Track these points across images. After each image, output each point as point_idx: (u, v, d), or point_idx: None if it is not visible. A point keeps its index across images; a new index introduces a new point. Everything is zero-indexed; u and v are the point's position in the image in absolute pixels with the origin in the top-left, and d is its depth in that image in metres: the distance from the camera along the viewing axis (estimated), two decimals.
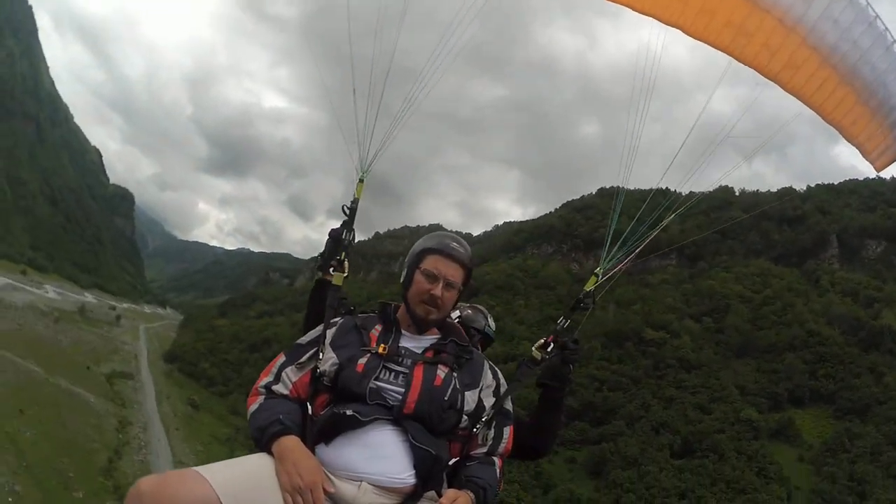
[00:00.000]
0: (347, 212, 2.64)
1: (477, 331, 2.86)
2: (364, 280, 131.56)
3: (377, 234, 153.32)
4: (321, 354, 2.15)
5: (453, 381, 2.11)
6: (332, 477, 1.94)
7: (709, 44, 2.68)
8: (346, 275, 2.53)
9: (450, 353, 2.19)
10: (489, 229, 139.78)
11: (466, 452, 2.16)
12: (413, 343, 2.21)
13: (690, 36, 2.65)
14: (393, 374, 2.09)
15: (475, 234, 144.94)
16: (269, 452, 1.93)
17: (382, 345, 2.13)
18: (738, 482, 46.10)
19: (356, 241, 2.71)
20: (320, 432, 1.99)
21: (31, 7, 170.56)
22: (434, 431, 2.03)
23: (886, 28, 2.58)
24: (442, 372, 2.12)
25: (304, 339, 2.26)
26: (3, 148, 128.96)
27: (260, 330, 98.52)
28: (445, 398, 2.06)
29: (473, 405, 2.14)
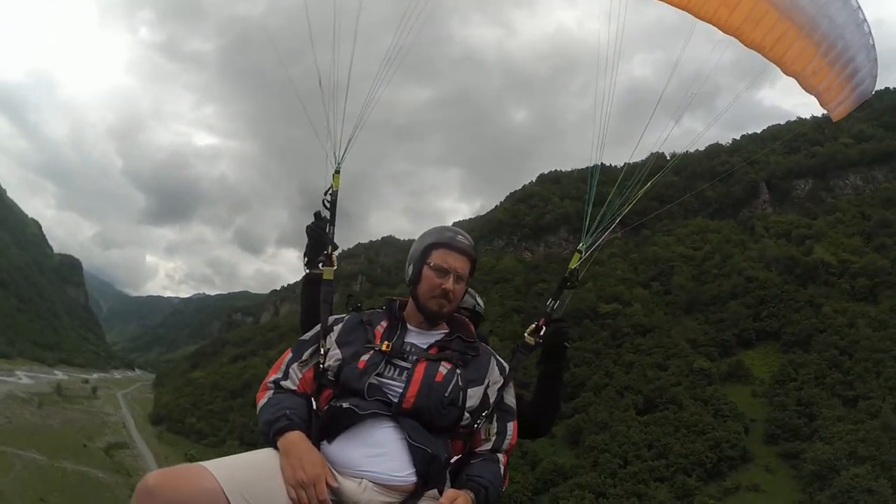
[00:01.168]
0: (328, 205, 2.63)
1: (466, 310, 2.90)
2: None
3: None
4: (322, 350, 2.18)
5: (455, 378, 2.10)
6: (335, 473, 1.95)
7: (667, 2, 2.74)
8: (335, 268, 2.53)
9: (454, 349, 2.19)
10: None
11: (470, 449, 2.16)
12: (419, 339, 2.21)
13: None
14: (396, 370, 2.10)
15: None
16: (276, 447, 1.97)
17: (386, 342, 2.15)
18: (697, 425, 51.63)
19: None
20: (322, 428, 2.03)
21: None
22: (433, 428, 2.03)
23: None
24: (444, 368, 2.12)
25: (307, 336, 2.29)
26: None
27: (238, 374, 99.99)
28: (446, 394, 2.06)
29: (477, 402, 2.13)
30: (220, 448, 77.16)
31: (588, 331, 76.81)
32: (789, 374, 56.70)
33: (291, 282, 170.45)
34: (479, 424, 2.14)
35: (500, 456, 2.17)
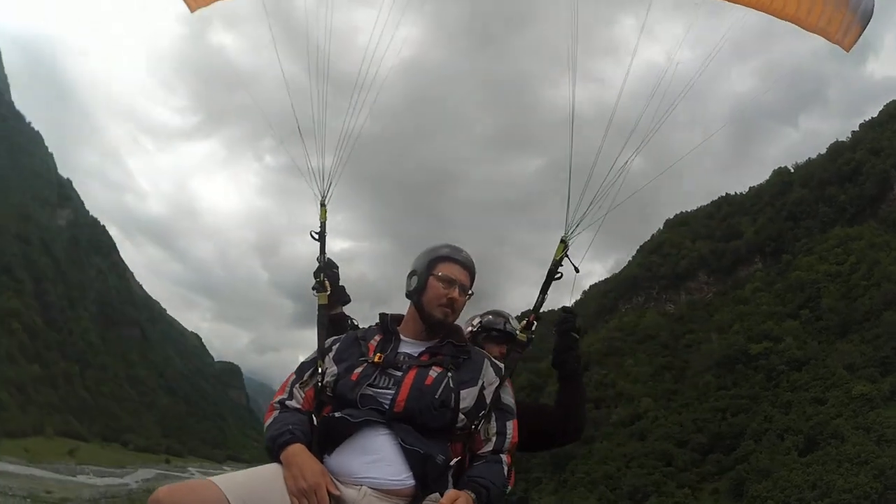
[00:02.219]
0: (315, 236, 2.79)
1: (498, 331, 2.95)
2: None
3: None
4: (320, 369, 2.30)
5: (446, 380, 2.18)
6: (337, 483, 2.04)
7: None
8: (328, 293, 2.66)
9: (445, 354, 2.27)
10: (579, 297, 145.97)
11: (472, 452, 2.22)
12: (412, 349, 2.31)
13: None
14: (390, 379, 2.18)
15: (569, 304, 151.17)
16: (279, 460, 2.08)
17: (379, 354, 2.26)
18: (860, 455, 50.36)
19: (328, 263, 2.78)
20: (321, 440, 2.13)
21: (104, 226, 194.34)
22: (427, 431, 2.10)
23: None
24: (434, 372, 2.19)
25: (307, 358, 2.44)
26: (118, 355, 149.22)
27: None
28: (436, 396, 2.13)
29: (472, 402, 2.20)
30: None
31: (741, 375, 76.32)
32: None
33: None
34: (476, 426, 2.21)
35: (503, 456, 2.22)
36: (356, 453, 2.08)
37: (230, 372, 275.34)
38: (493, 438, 2.23)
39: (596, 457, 76.89)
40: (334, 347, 2.39)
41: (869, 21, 2.79)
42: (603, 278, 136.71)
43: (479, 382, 2.28)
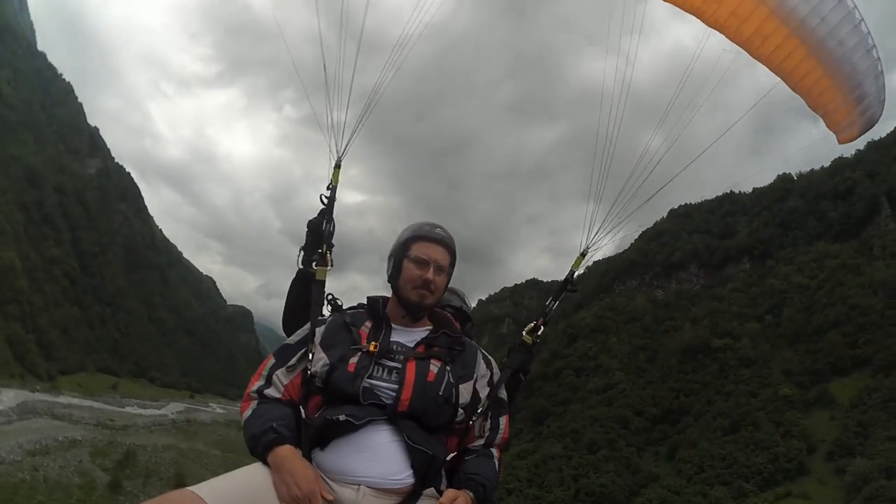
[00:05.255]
0: (325, 201, 2.67)
1: (452, 308, 2.93)
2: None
3: (480, 301, 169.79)
4: (311, 355, 2.20)
5: (447, 376, 2.16)
6: (330, 482, 1.99)
7: (680, 6, 2.85)
8: (329, 268, 2.56)
9: (441, 346, 2.26)
10: (582, 272, 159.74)
11: (464, 445, 2.24)
12: (404, 337, 2.28)
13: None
14: (386, 370, 2.14)
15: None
16: (264, 461, 2.00)
17: (373, 342, 2.19)
18: (764, 442, 65.67)
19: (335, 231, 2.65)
20: (315, 438, 2.05)
21: (129, 174, 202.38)
22: (429, 428, 2.09)
23: (855, 6, 2.73)
24: (435, 367, 2.17)
25: (292, 340, 2.32)
26: (141, 296, 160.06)
27: None
28: (440, 393, 2.11)
29: (469, 397, 2.22)
30: None
31: (700, 364, 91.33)
32: (863, 399, 67.89)
33: None
34: (474, 421, 2.22)
35: (494, 451, 2.26)
36: (354, 451, 2.01)
37: (242, 315, 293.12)
38: (487, 433, 2.26)
39: (569, 416, 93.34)
40: (317, 331, 2.29)
41: (870, 128, 2.94)
42: (608, 256, 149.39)
43: (474, 376, 2.29)
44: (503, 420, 2.32)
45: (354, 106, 2.73)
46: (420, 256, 2.28)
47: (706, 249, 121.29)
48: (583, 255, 2.90)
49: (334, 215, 2.73)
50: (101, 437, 60.17)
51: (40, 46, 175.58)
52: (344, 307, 2.49)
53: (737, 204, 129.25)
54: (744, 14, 2.75)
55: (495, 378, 2.37)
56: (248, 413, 2.17)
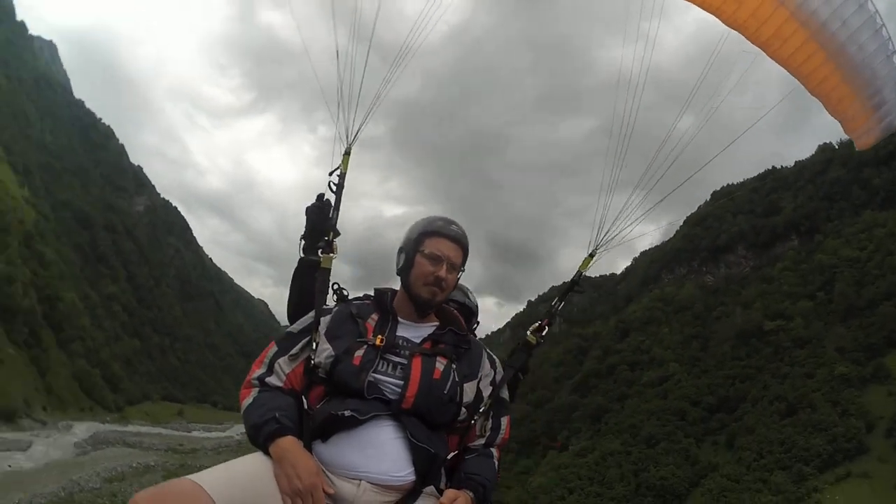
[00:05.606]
0: (333, 188, 2.66)
1: (456, 303, 2.97)
2: None
3: (529, 301, 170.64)
4: (314, 345, 2.20)
5: (452, 374, 2.19)
6: (331, 476, 1.99)
7: (699, 5, 2.82)
8: (335, 256, 2.56)
9: (448, 343, 2.29)
10: (629, 263, 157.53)
11: (464, 444, 2.27)
12: (411, 332, 2.29)
13: None
14: (391, 365, 2.15)
15: (619, 271, 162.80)
16: (266, 452, 2.01)
17: (380, 336, 2.20)
18: (822, 423, 65.89)
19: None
20: (317, 430, 2.05)
21: (175, 207, 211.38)
22: (433, 425, 2.12)
23: (876, 11, 2.70)
24: (440, 364, 2.20)
25: (295, 328, 2.32)
26: (197, 324, 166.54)
27: None
28: (445, 392, 2.14)
29: (472, 396, 2.25)
30: None
31: (754, 349, 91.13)
32: None
33: (494, 329, 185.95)
34: (476, 420, 2.26)
35: (494, 450, 2.29)
36: (356, 446, 2.02)
37: None
38: (488, 432, 2.29)
39: (626, 411, 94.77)
40: (322, 321, 2.29)
41: (889, 135, 2.90)
42: (654, 245, 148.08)
43: (478, 375, 2.32)
44: (504, 420, 2.33)
45: (363, 100, 2.65)
46: (434, 253, 2.27)
47: (752, 230, 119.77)
48: (591, 256, 2.84)
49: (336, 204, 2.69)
50: (172, 462, 64.10)
51: (76, 94, 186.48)
52: (349, 297, 2.47)
53: (779, 179, 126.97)
54: (763, 16, 2.72)
55: (498, 377, 2.38)
56: (248, 401, 2.15)
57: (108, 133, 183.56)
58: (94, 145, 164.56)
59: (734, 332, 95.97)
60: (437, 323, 2.40)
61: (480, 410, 2.28)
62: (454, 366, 2.23)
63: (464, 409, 2.22)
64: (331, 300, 2.50)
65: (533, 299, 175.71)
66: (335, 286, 2.52)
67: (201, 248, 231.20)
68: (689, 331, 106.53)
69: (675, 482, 69.97)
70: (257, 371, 2.22)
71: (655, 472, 73.01)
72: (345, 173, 2.65)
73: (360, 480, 1.99)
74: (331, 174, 2.70)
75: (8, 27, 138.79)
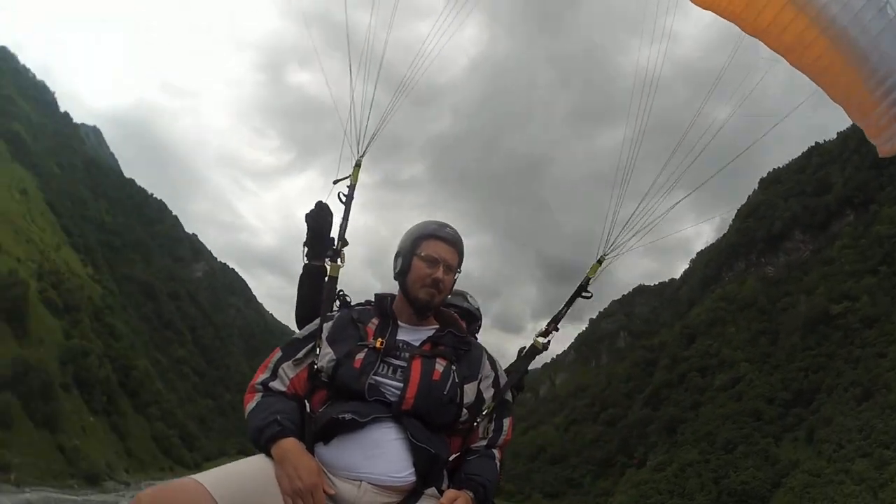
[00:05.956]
0: (344, 199, 2.69)
1: (457, 307, 2.98)
2: (597, 366, 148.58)
3: (591, 319, 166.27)
4: (318, 350, 2.25)
5: (452, 375, 2.22)
6: (332, 477, 2.02)
7: (718, 13, 2.81)
8: (342, 266, 2.57)
9: (447, 345, 2.32)
10: (688, 265, 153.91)
11: (467, 445, 2.29)
12: (411, 336, 2.33)
13: (700, 6, 2.78)
14: (391, 368, 2.19)
15: (677, 275, 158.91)
16: (268, 454, 2.03)
17: (380, 339, 2.24)
18: None
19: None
20: (319, 433, 2.09)
21: (233, 269, 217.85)
22: (433, 427, 2.14)
23: None
24: (440, 366, 2.22)
25: (300, 334, 2.38)
26: None
27: (531, 443, 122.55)
28: (444, 392, 2.17)
29: (473, 397, 2.27)
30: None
31: (823, 335, 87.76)
32: None
33: (558, 353, 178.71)
34: (478, 422, 2.28)
35: (495, 451, 2.31)
36: (356, 446, 2.05)
37: None
38: (490, 434, 2.32)
39: (701, 419, 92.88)
40: (325, 327, 2.35)
41: None
42: (709, 244, 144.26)
43: (479, 377, 2.34)
44: (507, 421, 2.36)
45: (376, 110, 2.64)
46: (431, 255, 2.33)
47: (806, 211, 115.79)
48: (599, 262, 2.79)
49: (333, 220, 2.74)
50: None
51: (126, 173, 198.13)
52: (352, 303, 2.55)
53: (825, 154, 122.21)
54: (784, 22, 2.70)
55: (500, 379, 2.42)
56: (252, 405, 2.19)
57: (160, 207, 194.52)
58: (150, 219, 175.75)
59: (801, 322, 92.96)
60: (436, 326, 2.43)
61: (483, 413, 2.30)
62: (454, 367, 2.25)
63: (465, 411, 2.24)
64: (335, 306, 2.55)
65: (594, 317, 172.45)
66: (340, 293, 2.57)
67: (261, 304, 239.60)
68: (756, 327, 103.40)
69: (756, 485, 68.31)
70: (261, 376, 2.26)
71: (736, 477, 71.43)
72: (354, 184, 2.71)
73: (361, 481, 2.02)
74: (335, 182, 2.74)
75: (54, 120, 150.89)
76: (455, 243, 2.39)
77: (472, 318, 3.07)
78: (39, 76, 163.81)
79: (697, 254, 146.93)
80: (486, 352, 2.46)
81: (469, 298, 3.17)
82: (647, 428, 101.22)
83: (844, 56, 2.66)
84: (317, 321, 2.38)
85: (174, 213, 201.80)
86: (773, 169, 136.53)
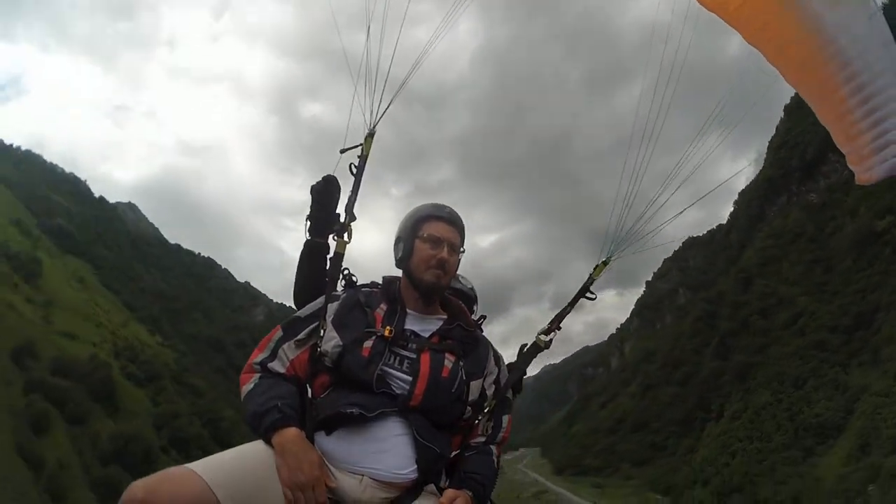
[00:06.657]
0: (354, 171, 2.57)
1: (455, 290, 2.86)
2: (662, 327, 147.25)
3: (647, 282, 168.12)
4: (322, 331, 2.18)
5: (460, 373, 2.20)
6: (333, 469, 2.01)
7: (724, 19, 2.79)
8: (349, 242, 2.49)
9: (456, 338, 2.28)
10: (732, 208, 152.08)
11: (465, 442, 2.28)
12: (419, 325, 2.28)
13: (706, 7, 2.74)
14: (399, 359, 2.14)
15: (724, 220, 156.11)
16: (267, 442, 1.99)
17: (388, 327, 2.18)
18: None
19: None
20: (322, 424, 2.06)
21: (291, 307, 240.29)
22: (439, 424, 2.12)
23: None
24: (449, 361, 2.20)
25: (302, 313, 2.29)
26: None
27: (608, 416, 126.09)
28: (452, 390, 2.15)
29: (477, 395, 2.26)
30: (612, 477, 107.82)
31: (873, 255, 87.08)
32: None
33: (622, 322, 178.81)
34: (479, 420, 2.28)
35: (493, 448, 2.30)
36: (362, 442, 2.02)
37: None
38: (489, 431, 2.30)
39: (770, 361, 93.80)
40: (330, 308, 2.26)
41: (887, 177, 2.79)
42: (749, 182, 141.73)
43: (484, 374, 2.32)
44: (506, 418, 2.35)
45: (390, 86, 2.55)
46: (434, 235, 2.27)
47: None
48: (605, 263, 2.68)
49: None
50: None
51: (171, 240, 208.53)
52: (358, 283, 2.47)
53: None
54: (789, 37, 2.68)
55: (502, 376, 2.41)
56: (249, 387, 2.12)
57: (209, 263, 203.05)
58: (202, 277, 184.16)
59: (848, 244, 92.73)
60: (444, 316, 2.38)
61: (485, 410, 2.28)
62: (462, 363, 2.23)
63: (468, 408, 2.23)
64: (339, 286, 2.48)
65: (649, 279, 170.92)
66: (345, 272, 2.49)
67: None
68: (808, 257, 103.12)
69: (830, 416, 69.71)
70: (260, 355, 2.19)
71: (810, 411, 72.90)
72: (367, 155, 2.57)
73: (363, 475, 2.01)
74: (342, 152, 2.59)
75: (91, 206, 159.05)
76: (455, 222, 2.35)
77: (467, 299, 2.91)
78: (68, 169, 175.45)
79: (739, 193, 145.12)
80: (492, 347, 2.45)
81: (461, 279, 3.03)
82: (719, 380, 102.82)
83: (845, 88, 2.69)
84: (320, 299, 2.33)
85: (223, 266, 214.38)
86: (796, 93, 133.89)
